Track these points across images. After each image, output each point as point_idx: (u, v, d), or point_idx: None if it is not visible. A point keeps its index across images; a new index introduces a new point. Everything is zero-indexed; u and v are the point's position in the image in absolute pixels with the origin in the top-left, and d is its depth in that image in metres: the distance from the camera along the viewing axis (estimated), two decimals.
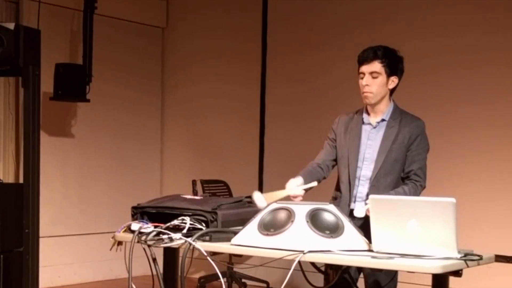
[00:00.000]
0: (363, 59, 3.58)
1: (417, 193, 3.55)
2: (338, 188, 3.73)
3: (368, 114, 3.68)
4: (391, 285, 3.54)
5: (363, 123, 3.68)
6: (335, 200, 3.70)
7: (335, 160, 3.75)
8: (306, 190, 3.54)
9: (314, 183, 3.55)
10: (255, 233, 3.05)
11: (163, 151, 7.53)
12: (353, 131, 3.68)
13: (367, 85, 3.56)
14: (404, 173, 3.61)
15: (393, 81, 3.60)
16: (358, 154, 3.63)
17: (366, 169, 3.62)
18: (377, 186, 3.56)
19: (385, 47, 3.60)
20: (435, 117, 5.67)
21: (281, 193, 3.46)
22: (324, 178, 3.71)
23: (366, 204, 3.33)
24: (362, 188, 3.62)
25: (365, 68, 3.57)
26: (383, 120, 3.65)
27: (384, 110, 3.65)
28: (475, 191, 5.52)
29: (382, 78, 3.57)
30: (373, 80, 3.57)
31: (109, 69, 6.91)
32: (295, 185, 3.52)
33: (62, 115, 6.67)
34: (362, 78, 3.59)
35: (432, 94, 5.78)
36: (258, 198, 3.34)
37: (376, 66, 3.56)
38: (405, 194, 3.48)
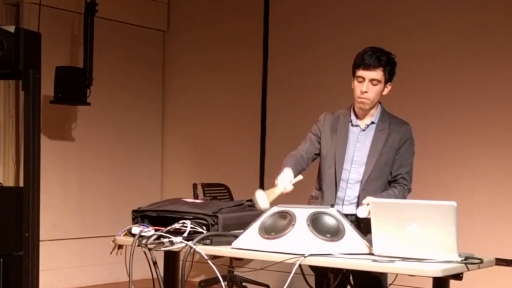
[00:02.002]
0: (366, 65, 3.49)
1: (405, 197, 3.54)
2: (319, 188, 3.69)
3: (356, 115, 3.65)
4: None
5: (351, 124, 3.65)
6: (316, 200, 3.67)
7: (317, 154, 3.71)
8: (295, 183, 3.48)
9: (301, 177, 3.49)
10: (256, 236, 3.04)
11: (164, 155, 7.53)
12: (340, 132, 3.63)
13: (366, 91, 3.51)
14: (391, 177, 3.60)
15: (388, 87, 3.57)
16: (345, 156, 3.60)
17: (354, 172, 3.59)
18: (368, 189, 3.53)
19: (386, 53, 3.54)
20: (435, 120, 5.69)
21: (277, 192, 3.39)
22: (304, 169, 3.64)
23: (367, 205, 3.31)
24: (350, 191, 3.59)
25: (366, 74, 3.50)
26: (372, 123, 3.62)
27: (373, 113, 3.62)
28: (476, 195, 5.52)
29: (381, 86, 3.53)
30: (373, 87, 3.51)
31: (109, 72, 6.91)
32: (288, 181, 3.43)
33: (63, 119, 6.67)
34: (360, 82, 3.52)
35: (431, 97, 5.78)
36: (261, 198, 3.27)
37: (378, 74, 3.50)
38: (395, 197, 3.47)
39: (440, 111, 5.73)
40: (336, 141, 3.63)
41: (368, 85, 3.51)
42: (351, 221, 3.22)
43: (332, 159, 3.62)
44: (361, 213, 3.26)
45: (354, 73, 3.55)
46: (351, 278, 3.55)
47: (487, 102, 5.57)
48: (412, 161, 3.62)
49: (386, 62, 3.51)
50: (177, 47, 7.45)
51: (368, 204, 3.16)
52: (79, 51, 6.57)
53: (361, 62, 3.51)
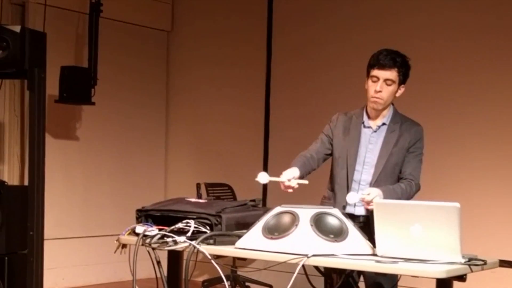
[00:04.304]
0: (381, 65, 3.50)
1: (412, 190, 3.55)
2: (332, 189, 3.71)
3: (369, 117, 3.66)
4: None
5: (363, 126, 3.66)
6: (329, 200, 3.69)
7: (329, 154, 3.73)
8: (299, 184, 3.50)
9: (306, 181, 3.51)
10: (259, 236, 3.05)
11: (168, 154, 7.54)
12: (352, 133, 3.65)
13: (380, 91, 3.53)
14: (400, 174, 3.62)
15: (401, 89, 3.59)
16: (357, 157, 3.62)
17: (366, 173, 3.61)
18: None
19: (401, 55, 3.56)
20: (439, 122, 5.68)
21: (278, 179, 3.47)
22: (314, 169, 3.67)
23: (368, 194, 3.32)
24: (362, 192, 3.61)
25: (381, 74, 3.51)
26: (383, 124, 3.64)
27: (385, 114, 3.64)
28: (480, 196, 5.51)
29: (395, 86, 3.54)
30: (387, 87, 3.53)
31: (114, 72, 6.92)
32: (292, 176, 3.48)
33: (67, 118, 6.68)
34: (374, 82, 3.54)
35: (435, 98, 5.77)
36: (262, 175, 3.43)
37: (393, 74, 3.51)
38: (401, 191, 3.49)
39: (445, 112, 5.73)
40: (348, 142, 3.65)
41: (382, 84, 3.52)
42: (362, 222, 3.22)
43: (344, 160, 3.64)
44: (351, 198, 3.29)
45: (368, 73, 3.57)
46: (360, 279, 3.57)
47: (493, 102, 5.55)
48: (421, 159, 3.64)
49: (401, 64, 3.53)
50: (181, 47, 7.46)
51: (368, 193, 3.21)
52: (83, 51, 6.59)
53: (376, 62, 3.53)
